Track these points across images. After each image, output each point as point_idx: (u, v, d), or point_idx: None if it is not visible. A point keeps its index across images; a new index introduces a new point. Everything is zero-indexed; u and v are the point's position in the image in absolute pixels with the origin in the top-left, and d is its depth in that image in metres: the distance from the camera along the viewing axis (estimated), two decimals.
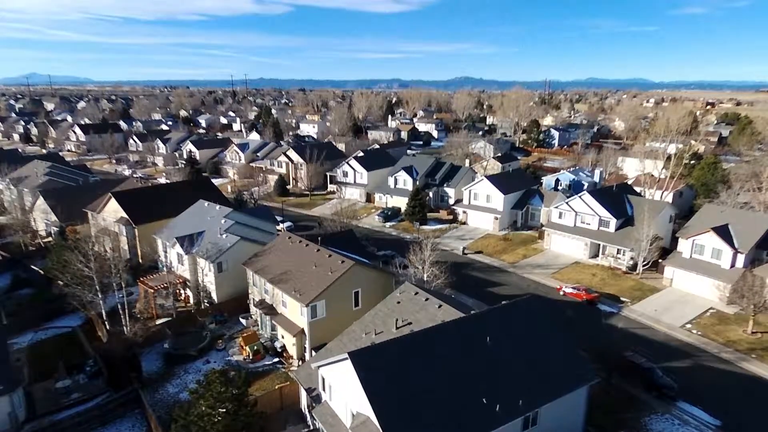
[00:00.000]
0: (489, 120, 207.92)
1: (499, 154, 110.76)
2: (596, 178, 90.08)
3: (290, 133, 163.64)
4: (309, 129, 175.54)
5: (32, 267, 55.28)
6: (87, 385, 36.33)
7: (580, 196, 64.25)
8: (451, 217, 78.93)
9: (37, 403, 34.17)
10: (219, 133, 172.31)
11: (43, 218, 66.88)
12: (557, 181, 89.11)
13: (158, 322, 44.81)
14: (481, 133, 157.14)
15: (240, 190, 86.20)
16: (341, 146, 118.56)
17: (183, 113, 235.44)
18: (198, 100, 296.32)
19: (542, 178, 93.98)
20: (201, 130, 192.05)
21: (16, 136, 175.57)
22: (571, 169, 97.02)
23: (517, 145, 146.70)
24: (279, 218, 70.22)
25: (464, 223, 76.58)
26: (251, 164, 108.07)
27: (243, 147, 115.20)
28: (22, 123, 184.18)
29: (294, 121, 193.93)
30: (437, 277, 44.02)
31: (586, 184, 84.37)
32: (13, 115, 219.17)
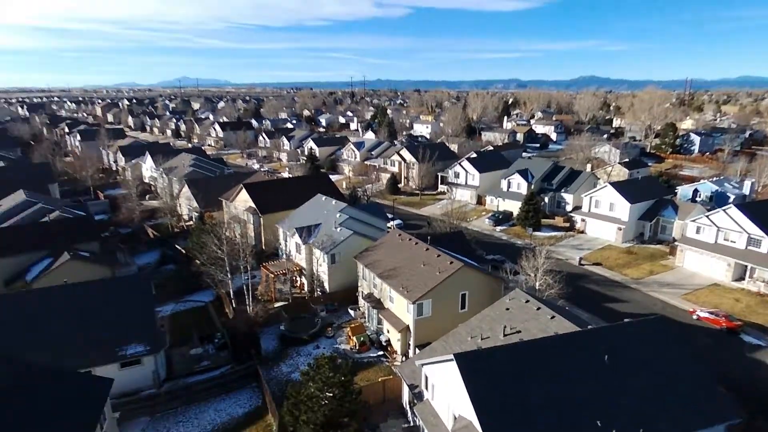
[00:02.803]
0: (616, 123, 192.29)
1: (626, 160, 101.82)
2: (746, 190, 78.70)
3: (404, 133, 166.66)
4: (422, 129, 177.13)
5: (176, 246, 62.91)
6: (215, 355, 40.41)
7: (724, 210, 56.60)
8: (567, 224, 74.39)
9: (174, 366, 38.86)
10: (337, 132, 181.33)
11: (186, 204, 75.90)
12: (696, 191, 79.35)
13: (276, 305, 48.38)
14: (605, 136, 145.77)
15: (354, 187, 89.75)
16: (454, 147, 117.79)
17: (306, 113, 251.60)
18: (320, 101, 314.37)
19: (677, 187, 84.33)
20: (321, 129, 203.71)
21: (168, 132, 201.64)
22: (714, 178, 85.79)
23: (648, 151, 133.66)
24: (389, 216, 71.82)
25: (582, 232, 71.68)
26: (365, 162, 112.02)
27: (359, 145, 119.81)
28: (174, 120, 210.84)
29: (408, 121, 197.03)
30: (550, 286, 41.81)
31: (732, 197, 74.08)
32: (167, 113, 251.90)
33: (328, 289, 50.05)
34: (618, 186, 69.67)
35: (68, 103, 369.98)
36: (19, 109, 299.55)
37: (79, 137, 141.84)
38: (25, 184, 69.19)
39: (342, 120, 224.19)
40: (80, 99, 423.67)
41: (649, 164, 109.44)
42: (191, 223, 71.63)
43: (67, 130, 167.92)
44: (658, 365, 26.38)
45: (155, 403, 34.04)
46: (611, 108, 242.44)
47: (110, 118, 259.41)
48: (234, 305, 47.01)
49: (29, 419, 23.51)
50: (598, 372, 24.99)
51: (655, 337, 27.81)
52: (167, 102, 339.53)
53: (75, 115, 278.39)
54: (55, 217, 58.47)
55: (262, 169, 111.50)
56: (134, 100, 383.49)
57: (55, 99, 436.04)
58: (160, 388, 35.57)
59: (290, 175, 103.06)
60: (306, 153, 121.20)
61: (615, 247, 65.95)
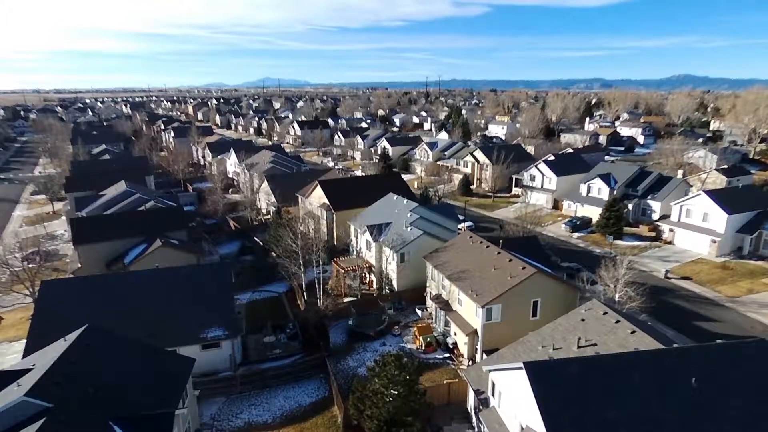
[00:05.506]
0: (713, 125, 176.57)
1: (725, 166, 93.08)
2: None
3: (478, 134, 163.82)
4: (497, 130, 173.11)
5: (255, 238, 66.20)
6: (286, 344, 42.11)
7: None
8: (653, 234, 69.37)
9: (249, 351, 40.95)
10: (411, 132, 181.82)
11: (265, 198, 79.68)
12: None
13: (345, 300, 49.48)
14: (701, 140, 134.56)
15: (426, 187, 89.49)
16: (530, 149, 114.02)
17: (380, 112, 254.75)
18: (394, 101, 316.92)
19: None
20: (395, 128, 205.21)
21: (251, 130, 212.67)
22: None
23: (751, 157, 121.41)
24: (461, 217, 70.86)
25: (669, 243, 66.54)
26: (438, 162, 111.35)
27: (432, 145, 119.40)
28: (257, 119, 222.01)
29: (483, 121, 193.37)
30: (632, 299, 39.27)
31: None
32: (251, 112, 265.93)
33: (396, 288, 50.37)
34: (714, 194, 63.93)
35: (164, 102, 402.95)
36: (123, 107, 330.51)
37: (172, 134, 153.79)
38: (126, 175, 76.22)
39: (416, 120, 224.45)
40: (175, 98, 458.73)
41: (752, 172, 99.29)
42: (269, 216, 75.01)
43: (162, 127, 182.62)
44: (757, 393, 23.87)
45: (231, 384, 36.10)
46: (709, 109, 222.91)
47: (200, 116, 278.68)
48: (305, 298, 48.67)
49: (124, 387, 25.83)
50: (684, 394, 23.06)
51: (755, 363, 25.17)
52: (251, 101, 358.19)
53: (170, 113, 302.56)
54: (150, 206, 63.79)
55: (336, 167, 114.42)
56: (221, 100, 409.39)
57: (154, 98, 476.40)
58: (235, 371, 37.64)
59: (363, 174, 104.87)
60: (379, 152, 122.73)
61: (707, 260, 60.58)
